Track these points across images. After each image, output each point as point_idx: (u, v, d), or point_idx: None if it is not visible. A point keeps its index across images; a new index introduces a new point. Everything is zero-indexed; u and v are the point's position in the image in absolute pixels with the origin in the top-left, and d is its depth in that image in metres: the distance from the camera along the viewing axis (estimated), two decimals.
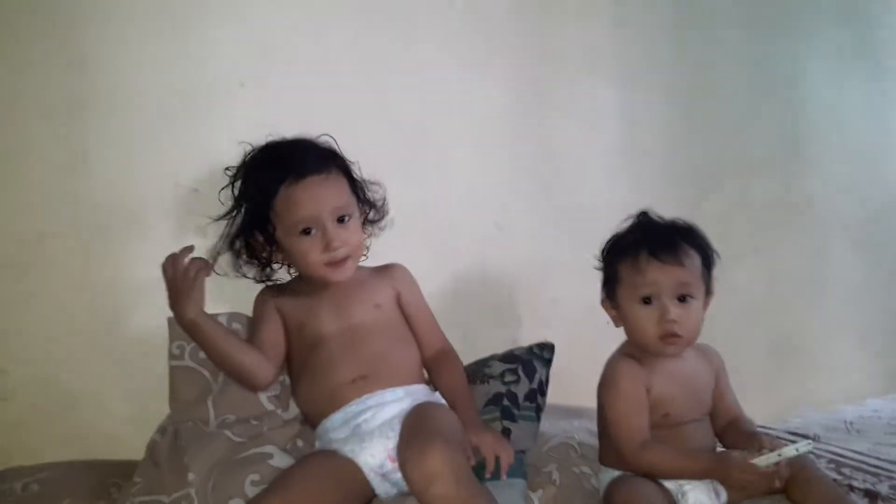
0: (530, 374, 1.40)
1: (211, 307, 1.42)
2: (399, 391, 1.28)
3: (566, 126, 1.84)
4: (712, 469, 1.21)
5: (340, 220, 1.31)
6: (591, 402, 1.66)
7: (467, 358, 1.48)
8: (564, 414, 1.60)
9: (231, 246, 1.36)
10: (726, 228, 1.98)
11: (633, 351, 1.34)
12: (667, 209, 1.88)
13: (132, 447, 1.32)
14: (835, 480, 1.36)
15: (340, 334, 1.32)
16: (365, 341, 1.32)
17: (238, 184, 1.36)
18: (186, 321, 1.21)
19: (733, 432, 1.34)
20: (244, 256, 1.36)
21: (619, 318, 1.34)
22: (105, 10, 1.45)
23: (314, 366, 1.30)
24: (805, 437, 1.53)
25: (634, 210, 1.87)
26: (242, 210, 1.34)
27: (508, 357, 1.43)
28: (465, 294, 1.69)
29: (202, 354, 1.31)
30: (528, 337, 1.68)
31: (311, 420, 1.32)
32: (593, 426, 1.48)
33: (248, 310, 1.41)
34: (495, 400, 1.36)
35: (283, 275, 1.41)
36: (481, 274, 1.73)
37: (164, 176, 1.48)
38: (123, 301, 1.45)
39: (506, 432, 1.32)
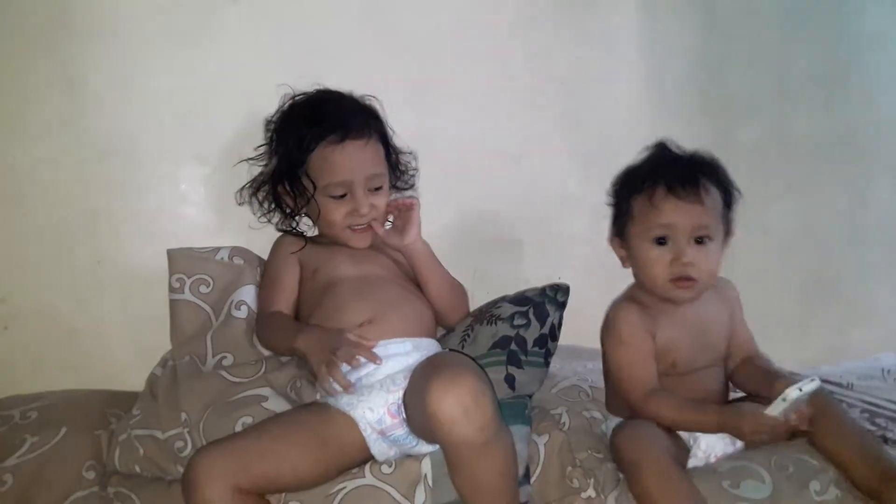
0: (542, 317, 1.31)
1: (214, 239, 1.38)
2: (407, 343, 1.20)
3: (588, 52, 1.69)
4: (722, 423, 1.12)
5: (372, 186, 1.28)
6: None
7: (477, 296, 1.41)
8: (578, 355, 1.53)
9: (257, 191, 1.33)
10: (760, 163, 1.84)
11: (639, 295, 1.24)
12: (695, 143, 1.73)
13: (133, 378, 1.30)
14: (869, 431, 1.26)
15: (354, 279, 1.26)
16: (378, 287, 1.26)
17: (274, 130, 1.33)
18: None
19: (747, 371, 1.25)
20: (269, 203, 1.33)
21: (629, 258, 1.24)
22: None
23: (324, 308, 1.23)
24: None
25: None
26: (275, 158, 1.31)
27: (520, 299, 1.33)
28: (477, 231, 1.59)
29: (203, 288, 1.28)
30: (540, 275, 1.60)
31: (312, 372, 1.22)
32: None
33: (248, 244, 1.36)
34: (502, 343, 1.27)
35: (304, 227, 1.38)
36: (494, 208, 1.63)
37: (157, 99, 1.39)
38: (122, 228, 1.40)
39: (509, 379, 1.24)
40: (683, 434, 1.19)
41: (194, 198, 1.43)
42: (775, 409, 1.06)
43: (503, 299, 1.34)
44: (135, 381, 1.29)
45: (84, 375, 1.35)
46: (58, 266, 1.37)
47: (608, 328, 1.24)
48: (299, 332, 1.15)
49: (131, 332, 1.40)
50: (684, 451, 1.18)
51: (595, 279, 1.67)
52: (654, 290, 1.20)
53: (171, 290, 1.29)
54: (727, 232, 1.22)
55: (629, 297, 1.25)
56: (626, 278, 1.75)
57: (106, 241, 1.39)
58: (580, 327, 1.42)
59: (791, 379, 1.12)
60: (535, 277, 1.58)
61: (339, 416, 1.10)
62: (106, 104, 1.37)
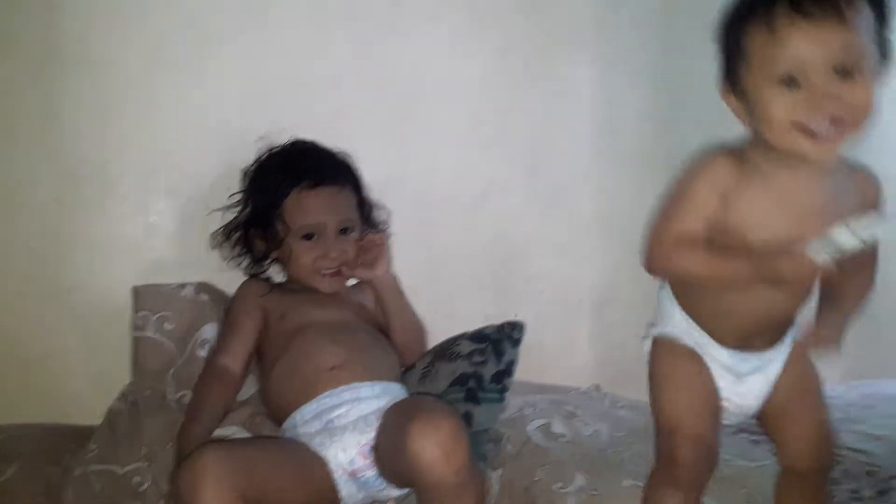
0: (499, 354, 1.33)
1: (182, 272, 1.36)
2: (377, 387, 1.19)
3: (551, 104, 1.74)
4: (758, 268, 0.85)
5: (342, 231, 1.31)
6: (560, 380, 1.65)
7: (441, 331, 1.43)
8: (532, 389, 1.55)
9: (230, 235, 1.34)
10: None
11: (749, 150, 0.91)
12: (644, 191, 1.81)
13: (89, 412, 1.26)
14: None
15: (323, 324, 1.26)
16: (347, 332, 1.26)
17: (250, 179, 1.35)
18: None
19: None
20: (241, 247, 1.34)
21: (746, 111, 0.89)
22: None
23: (292, 352, 1.22)
24: None
25: (611, 191, 1.82)
26: (250, 204, 1.33)
27: (478, 336, 1.36)
28: (442, 267, 1.61)
29: (167, 325, 1.26)
30: (503, 312, 1.63)
31: (279, 414, 1.22)
32: (563, 401, 1.45)
33: (215, 279, 1.36)
34: (461, 381, 1.29)
35: (274, 273, 1.38)
36: (459, 247, 1.66)
37: (136, 131, 1.39)
38: (88, 259, 1.38)
39: (467, 416, 1.25)
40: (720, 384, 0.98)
41: (164, 231, 1.41)
42: (817, 253, 0.82)
43: (462, 336, 1.36)
44: (91, 415, 1.25)
45: (39, 407, 1.31)
46: (20, 294, 1.34)
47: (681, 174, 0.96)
48: (184, 438, 1.11)
49: (90, 364, 1.37)
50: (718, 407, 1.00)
51: (553, 317, 1.72)
52: (780, 142, 0.85)
53: (135, 327, 1.27)
54: (885, 58, 0.85)
55: (731, 149, 0.93)
56: (583, 316, 1.81)
57: (72, 272, 1.37)
58: (538, 363, 1.47)
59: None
60: (496, 314, 1.61)
61: (313, 456, 1.10)
62: (84, 133, 1.36)
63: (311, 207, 1.28)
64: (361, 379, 1.18)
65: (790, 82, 0.82)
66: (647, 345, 1.05)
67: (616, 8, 1.78)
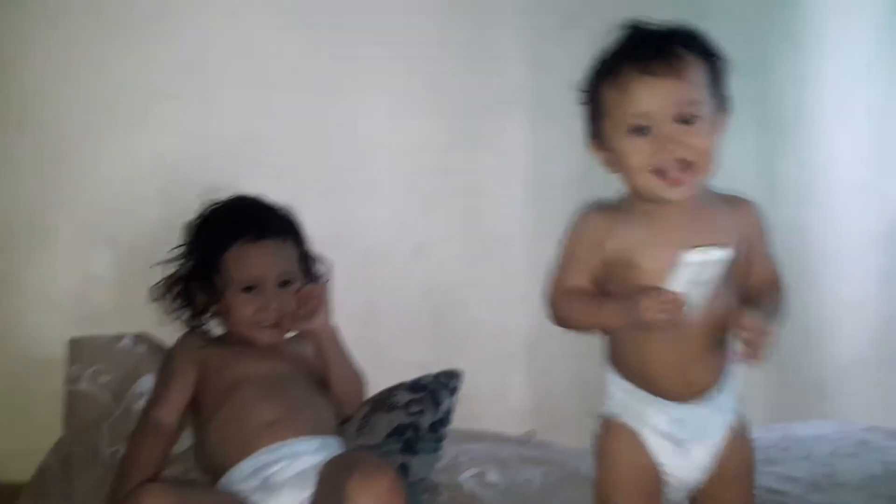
0: (436, 403, 1.36)
1: (119, 325, 1.35)
2: (314, 442, 1.19)
3: (486, 160, 1.83)
4: (624, 308, 0.91)
5: (283, 283, 1.31)
6: (495, 427, 1.68)
7: (380, 380, 1.44)
8: (468, 437, 1.58)
9: (170, 288, 1.33)
10: None
11: (623, 200, 1.00)
12: None
13: (18, 469, 1.23)
14: None
15: (261, 378, 1.26)
16: (285, 387, 1.26)
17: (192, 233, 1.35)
18: None
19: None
20: (180, 300, 1.33)
21: (612, 162, 0.98)
22: (32, 15, 1.37)
23: (229, 407, 1.21)
24: None
25: (542, 243, 1.90)
26: (191, 257, 1.33)
27: (415, 386, 1.38)
28: (380, 318, 1.65)
29: (102, 378, 1.25)
30: (440, 360, 1.67)
31: (214, 470, 1.20)
32: (497, 448, 1.49)
33: (153, 331, 1.35)
34: (398, 431, 1.31)
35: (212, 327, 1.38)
36: (397, 298, 1.70)
37: (77, 182, 1.40)
38: (26, 313, 1.37)
39: (404, 468, 1.26)
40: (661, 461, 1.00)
41: (102, 282, 1.42)
42: (675, 280, 0.87)
43: (400, 386, 1.39)
44: (18, 472, 1.22)
45: None
46: None
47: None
48: (116, 493, 1.10)
49: (19, 418, 1.33)
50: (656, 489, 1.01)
51: (488, 365, 1.77)
52: (643, 189, 0.94)
53: (70, 380, 1.25)
54: (721, 108, 0.97)
55: (603, 201, 1.02)
56: (518, 364, 1.86)
57: (3, 322, 1.34)
58: (475, 411, 1.50)
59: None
60: (433, 363, 1.65)
61: None
62: (21, 184, 1.37)
63: (251, 261, 1.29)
64: (298, 434, 1.18)
65: (640, 131, 0.92)
66: (596, 425, 1.07)
67: (547, 70, 1.89)
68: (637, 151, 0.92)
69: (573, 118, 1.95)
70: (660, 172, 0.92)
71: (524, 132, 1.88)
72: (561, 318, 1.00)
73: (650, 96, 0.91)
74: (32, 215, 1.37)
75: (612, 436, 1.02)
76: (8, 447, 1.31)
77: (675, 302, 0.87)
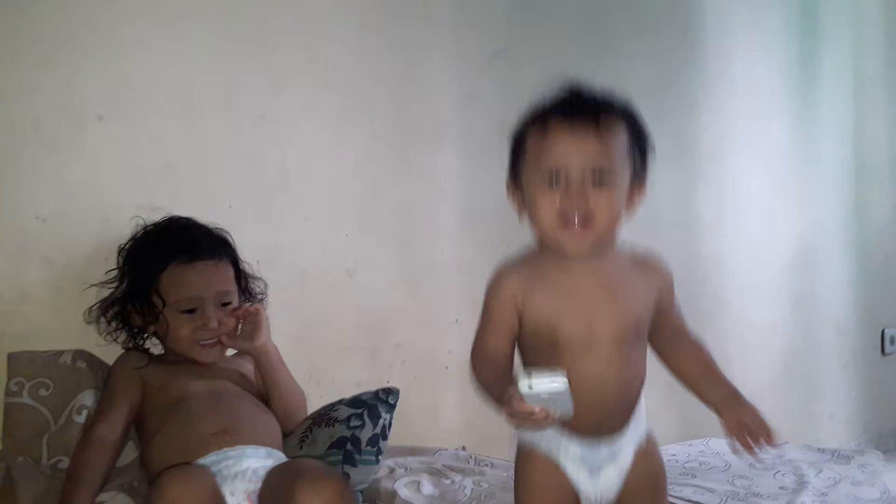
0: (375, 418, 1.45)
1: (58, 342, 1.40)
2: (261, 450, 1.26)
3: (416, 188, 1.96)
4: (498, 401, 0.95)
5: (222, 304, 1.38)
6: (428, 443, 1.78)
7: (315, 398, 1.53)
8: (404, 452, 1.66)
9: (106, 311, 1.38)
10: None
11: (533, 254, 1.06)
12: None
13: None
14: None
15: (205, 393, 1.32)
16: (229, 401, 1.33)
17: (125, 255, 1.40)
18: None
19: (684, 359, 1.11)
20: (117, 322, 1.38)
21: (524, 205, 1.04)
22: None
23: (174, 421, 1.27)
24: None
25: (471, 268, 2.03)
26: (126, 279, 1.38)
27: (355, 402, 1.47)
28: (314, 337, 1.72)
29: (42, 391, 1.29)
30: (372, 377, 1.76)
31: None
32: (431, 460, 1.60)
33: (91, 348, 1.40)
34: (339, 444, 1.39)
35: (151, 346, 1.44)
36: (330, 319, 1.79)
37: (9, 203, 1.43)
38: None
39: (345, 477, 1.35)
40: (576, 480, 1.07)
41: (37, 300, 1.45)
42: (524, 399, 0.90)
43: (340, 402, 1.48)
44: None
45: None
46: None
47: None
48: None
49: None
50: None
51: (419, 383, 1.88)
52: (545, 239, 1.01)
53: (9, 393, 1.29)
54: (635, 180, 1.04)
55: (518, 258, 1.07)
56: (445, 381, 1.97)
57: None
58: (409, 427, 1.60)
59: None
60: (366, 380, 1.75)
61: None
62: None
63: (188, 281, 1.34)
64: (246, 443, 1.25)
65: (553, 181, 0.98)
66: (513, 451, 1.14)
67: (476, 103, 2.05)
68: (546, 199, 0.98)
69: (500, 150, 2.12)
70: (564, 221, 0.98)
71: (453, 162, 2.02)
72: (474, 384, 1.06)
73: (568, 149, 0.98)
74: None
75: (529, 461, 1.09)
76: None
77: (533, 415, 0.90)
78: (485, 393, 1.02)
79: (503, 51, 2.09)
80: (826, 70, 2.97)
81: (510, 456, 1.42)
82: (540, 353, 1.03)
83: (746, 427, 1.04)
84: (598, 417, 1.05)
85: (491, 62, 2.07)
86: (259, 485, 1.19)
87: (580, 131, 0.98)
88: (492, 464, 1.67)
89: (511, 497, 1.25)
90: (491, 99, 2.10)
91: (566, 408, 0.91)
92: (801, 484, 1.89)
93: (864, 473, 1.93)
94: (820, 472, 1.97)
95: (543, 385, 0.87)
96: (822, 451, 2.18)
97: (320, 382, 1.58)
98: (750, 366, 2.52)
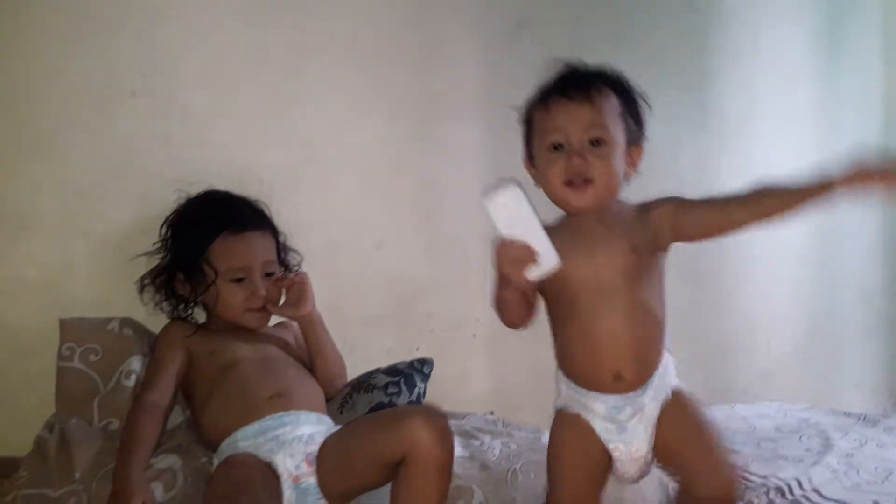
0: (411, 386, 1.53)
1: (101, 312, 1.48)
2: (312, 416, 1.34)
3: (441, 164, 2.02)
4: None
5: (268, 274, 1.46)
6: (457, 408, 1.83)
7: (347, 365, 1.60)
8: None
9: (154, 281, 1.46)
10: None
11: (555, 221, 1.21)
12: None
13: (7, 446, 1.36)
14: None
15: (254, 360, 1.40)
16: (278, 367, 1.42)
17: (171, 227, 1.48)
18: None
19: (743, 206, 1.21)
20: (164, 293, 1.46)
21: (539, 177, 1.20)
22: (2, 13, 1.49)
23: (227, 385, 1.35)
24: None
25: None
26: (174, 250, 1.46)
27: (392, 370, 1.56)
28: (345, 308, 1.80)
29: (92, 357, 1.38)
30: (402, 346, 1.84)
31: (216, 437, 1.33)
32: (461, 423, 1.66)
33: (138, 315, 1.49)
34: (377, 409, 1.48)
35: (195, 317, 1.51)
36: (361, 290, 1.87)
37: (52, 179, 1.52)
38: (8, 300, 1.48)
39: None
40: (604, 438, 1.19)
41: (79, 272, 1.54)
42: (499, 228, 1.06)
43: (378, 371, 1.57)
44: (11, 449, 1.35)
45: None
46: None
47: None
48: (120, 470, 1.21)
49: (7, 398, 1.46)
50: (606, 466, 1.21)
51: (449, 351, 1.96)
52: (557, 202, 1.17)
53: (61, 357, 1.38)
54: (631, 141, 1.18)
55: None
56: (474, 350, 2.05)
57: None
58: (435, 393, 1.66)
59: None
60: (396, 348, 1.83)
61: (264, 466, 1.24)
62: (4, 174, 1.48)
63: (238, 251, 1.43)
64: (298, 407, 1.33)
65: (557, 147, 1.14)
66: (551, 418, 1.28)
67: (498, 75, 2.09)
68: (553, 164, 1.14)
69: (519, 128, 2.17)
70: (568, 183, 1.13)
71: (475, 135, 2.07)
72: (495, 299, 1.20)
73: (565, 117, 1.14)
74: (9, 207, 1.49)
75: (561, 424, 1.23)
76: (1, 425, 1.44)
77: (520, 251, 1.06)
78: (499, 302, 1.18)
79: (526, 22, 2.13)
80: (853, 35, 2.98)
81: (536, 421, 1.53)
82: (560, 303, 1.18)
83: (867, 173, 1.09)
84: (617, 368, 1.17)
85: (514, 34, 2.11)
86: (316, 448, 1.27)
87: (574, 100, 1.14)
88: (519, 427, 1.75)
89: (539, 457, 1.40)
90: (514, 71, 2.14)
91: (534, 232, 1.05)
92: (827, 446, 1.95)
93: (890, 436, 1.98)
94: (846, 434, 2.02)
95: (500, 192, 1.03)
96: (848, 414, 2.23)
97: (353, 350, 1.65)
98: (775, 333, 2.59)
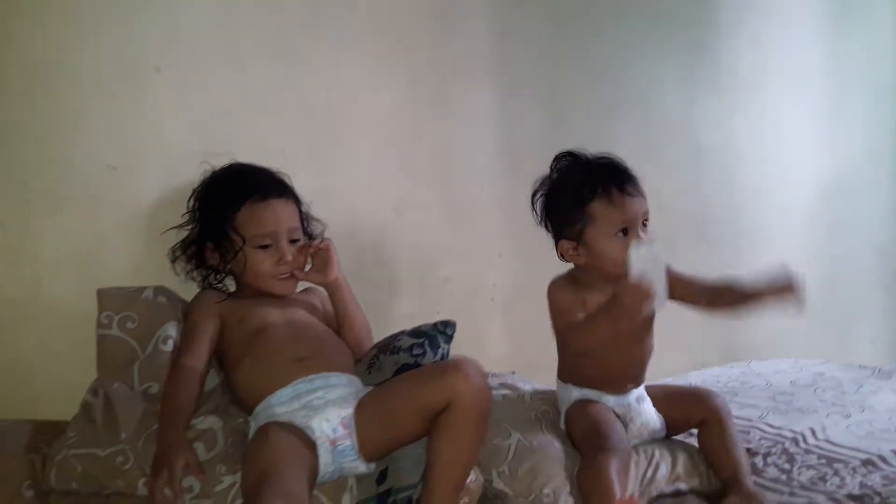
0: (435, 347, 1.59)
1: (139, 280, 1.56)
2: (343, 377, 1.40)
3: (456, 128, 2.08)
4: (615, 298, 1.39)
5: (293, 241, 1.53)
6: None
7: (372, 329, 1.68)
8: None
9: (185, 251, 1.53)
10: None
11: (578, 274, 1.58)
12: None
13: (53, 411, 1.44)
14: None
15: (283, 324, 1.47)
16: (307, 331, 1.49)
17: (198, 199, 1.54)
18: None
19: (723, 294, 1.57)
20: (194, 262, 1.53)
21: (584, 255, 1.53)
22: None
23: (258, 350, 1.42)
24: None
25: (512, 204, 2.16)
26: (201, 221, 1.52)
27: (416, 332, 1.61)
28: (367, 273, 1.87)
29: (129, 324, 1.46)
30: (422, 310, 1.92)
31: (250, 401, 1.39)
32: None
33: (168, 283, 1.57)
34: (403, 370, 1.52)
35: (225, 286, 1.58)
36: (380, 256, 1.94)
37: (83, 153, 1.59)
38: (43, 272, 1.55)
39: None
40: (621, 413, 1.58)
41: (113, 242, 1.61)
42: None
43: (402, 333, 1.63)
44: (55, 413, 1.43)
45: (5, 409, 1.46)
46: None
47: (549, 302, 1.58)
48: (164, 432, 1.27)
49: (49, 368, 1.54)
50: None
51: (468, 314, 2.02)
52: (612, 272, 1.47)
53: (100, 325, 1.45)
54: None
55: (566, 276, 1.60)
56: (489, 313, 2.11)
57: (28, 283, 1.54)
58: (454, 352, 1.74)
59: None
60: (417, 313, 1.90)
61: (301, 432, 1.31)
62: (32, 155, 1.55)
63: (263, 218, 1.49)
64: (329, 369, 1.40)
65: (625, 231, 1.51)
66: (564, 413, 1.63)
67: (512, 38, 2.15)
68: (623, 247, 1.43)
69: (535, 84, 2.21)
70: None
71: (490, 98, 2.13)
72: (579, 337, 1.55)
73: (633, 207, 1.50)
74: (43, 181, 1.55)
75: (583, 405, 1.59)
76: (43, 393, 1.53)
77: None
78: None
79: None
80: None
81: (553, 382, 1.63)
82: (607, 341, 1.50)
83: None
84: (626, 379, 1.62)
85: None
86: (350, 411, 1.34)
87: (635, 195, 1.52)
88: (539, 382, 1.84)
89: (551, 406, 1.69)
90: (528, 33, 2.19)
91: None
92: (841, 398, 2.02)
93: None
94: (860, 387, 2.09)
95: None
96: (862, 367, 2.30)
97: (375, 316, 1.71)
98: None
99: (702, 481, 1.56)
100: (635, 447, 1.55)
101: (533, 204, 1.63)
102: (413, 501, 1.37)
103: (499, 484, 1.45)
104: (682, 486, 1.55)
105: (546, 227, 1.62)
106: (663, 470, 1.54)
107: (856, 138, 3.01)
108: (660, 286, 1.35)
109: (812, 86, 2.91)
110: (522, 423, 1.58)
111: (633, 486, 1.48)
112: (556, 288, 1.56)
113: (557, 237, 1.58)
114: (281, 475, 1.17)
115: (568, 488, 1.44)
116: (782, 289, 1.46)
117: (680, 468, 1.55)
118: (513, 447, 1.50)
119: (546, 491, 1.43)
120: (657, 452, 1.56)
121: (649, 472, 1.52)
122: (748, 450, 1.63)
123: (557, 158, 1.62)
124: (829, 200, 2.93)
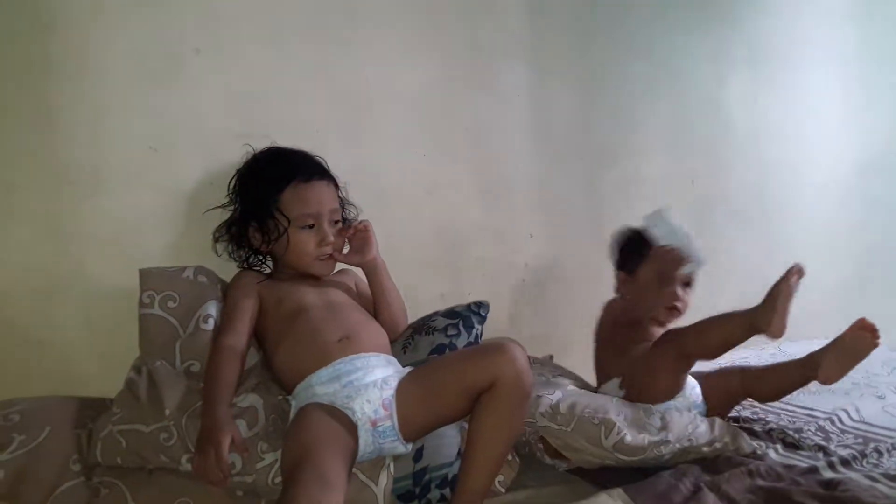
0: (469, 328, 1.64)
1: (178, 260, 1.61)
2: (381, 358, 1.44)
3: (489, 107, 2.10)
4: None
5: (334, 222, 1.56)
6: None
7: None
8: None
9: (228, 230, 1.57)
10: (622, 199, 2.34)
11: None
12: (572, 182, 2.19)
13: (97, 388, 1.49)
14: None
15: (321, 305, 1.51)
16: (344, 311, 1.52)
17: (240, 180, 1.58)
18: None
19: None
20: (238, 241, 1.57)
21: (631, 283, 1.87)
22: None
23: (297, 330, 1.46)
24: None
25: (547, 182, 2.18)
26: (244, 202, 1.56)
27: (450, 313, 1.66)
28: (399, 253, 1.89)
29: (170, 304, 1.49)
30: (454, 290, 1.95)
31: (290, 380, 1.44)
32: None
33: (209, 263, 1.61)
34: (438, 350, 1.59)
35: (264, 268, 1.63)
36: (413, 236, 1.97)
37: (125, 135, 1.62)
38: (87, 252, 1.59)
39: None
40: None
41: (153, 223, 1.65)
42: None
43: (437, 314, 1.67)
44: (99, 391, 1.48)
45: (50, 386, 1.50)
46: (27, 287, 1.55)
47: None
48: (209, 411, 1.30)
49: (93, 346, 1.59)
50: None
51: (500, 295, 2.05)
52: (653, 315, 1.87)
53: (142, 304, 1.49)
54: None
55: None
56: (520, 292, 2.13)
57: (72, 263, 1.58)
58: (486, 337, 1.77)
59: None
60: (449, 293, 1.93)
61: (341, 414, 1.34)
62: (76, 137, 1.58)
63: (307, 199, 1.52)
64: (367, 350, 1.44)
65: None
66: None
67: (545, 16, 2.16)
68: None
69: (569, 63, 2.22)
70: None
71: (525, 78, 2.14)
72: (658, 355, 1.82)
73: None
74: (85, 162, 1.59)
75: None
76: (87, 371, 1.58)
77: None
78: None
79: None
80: None
81: (586, 364, 1.67)
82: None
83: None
84: None
85: None
86: (391, 392, 1.37)
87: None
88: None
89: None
90: (561, 11, 2.19)
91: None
92: (874, 378, 2.03)
93: None
94: (894, 369, 2.10)
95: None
96: (893, 350, 2.30)
97: (407, 296, 1.75)
98: (826, 268, 2.63)
99: None
100: None
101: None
102: (449, 479, 1.41)
103: (542, 422, 1.57)
104: None
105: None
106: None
107: (891, 115, 2.98)
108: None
109: (846, 63, 2.88)
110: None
111: None
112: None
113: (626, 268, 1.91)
114: (318, 459, 1.20)
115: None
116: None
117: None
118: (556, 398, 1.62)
119: (587, 411, 1.56)
120: None
121: None
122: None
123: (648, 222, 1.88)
124: (865, 178, 2.91)
